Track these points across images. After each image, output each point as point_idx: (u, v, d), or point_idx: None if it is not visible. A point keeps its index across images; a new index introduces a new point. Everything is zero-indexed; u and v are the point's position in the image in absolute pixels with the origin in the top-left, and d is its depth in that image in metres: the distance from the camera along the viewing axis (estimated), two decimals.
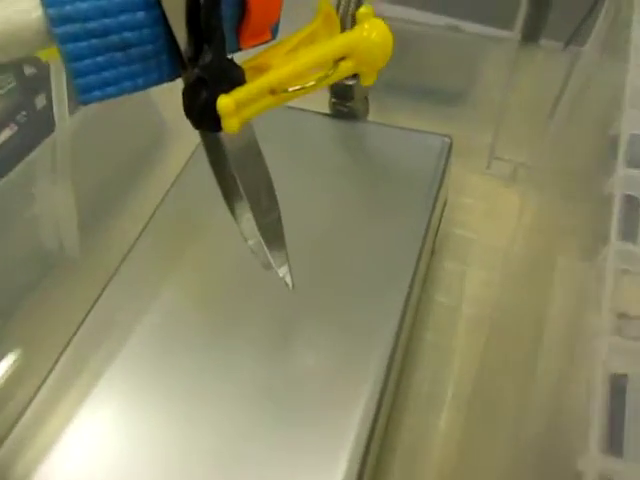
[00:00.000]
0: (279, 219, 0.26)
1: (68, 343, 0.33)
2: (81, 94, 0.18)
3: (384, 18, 0.22)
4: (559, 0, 0.42)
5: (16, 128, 0.47)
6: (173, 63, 0.20)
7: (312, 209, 0.38)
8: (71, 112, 0.38)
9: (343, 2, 0.33)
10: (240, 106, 0.20)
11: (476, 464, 0.33)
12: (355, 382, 0.30)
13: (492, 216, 0.49)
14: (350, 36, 0.22)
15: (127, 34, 0.18)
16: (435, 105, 0.50)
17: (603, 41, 0.39)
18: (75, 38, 0.17)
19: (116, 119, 0.47)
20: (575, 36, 0.43)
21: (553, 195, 0.44)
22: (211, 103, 0.19)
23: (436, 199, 0.39)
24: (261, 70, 0.21)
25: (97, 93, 0.18)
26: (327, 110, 0.45)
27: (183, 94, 0.19)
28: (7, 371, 0.40)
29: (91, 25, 0.17)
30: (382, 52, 0.22)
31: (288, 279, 0.28)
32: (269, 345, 0.32)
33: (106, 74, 0.18)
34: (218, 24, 0.18)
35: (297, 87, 0.21)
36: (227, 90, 0.19)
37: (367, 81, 0.23)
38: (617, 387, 0.18)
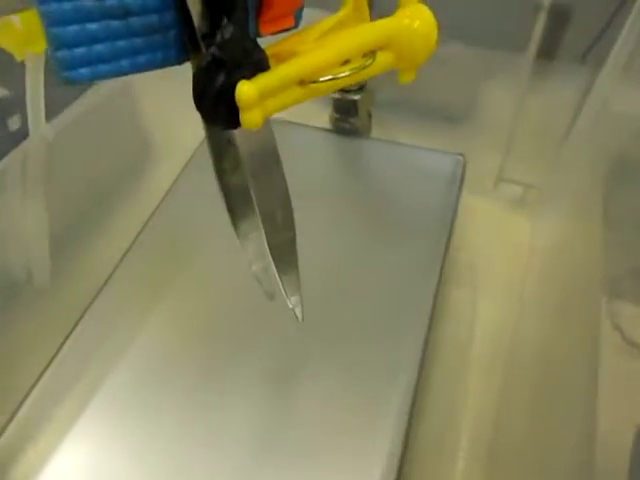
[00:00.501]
0: (293, 239, 0.22)
1: (35, 383, 0.28)
2: (64, 70, 0.14)
3: None
4: (577, 16, 0.40)
5: None
6: (183, 40, 0.16)
7: (317, 234, 0.34)
8: (48, 118, 0.34)
9: None
10: (263, 96, 0.16)
11: None
12: (372, 433, 0.26)
13: (501, 241, 0.46)
14: (389, 24, 0.18)
15: None
16: (440, 124, 0.48)
17: (626, 61, 0.37)
18: None
19: (98, 129, 0.42)
20: (591, 52, 0.40)
21: (568, 219, 0.42)
22: (229, 90, 0.15)
23: (452, 224, 0.35)
24: (285, 58, 0.17)
25: (84, 71, 0.15)
26: (327, 126, 0.42)
27: (194, 78, 0.15)
28: None
29: None
30: (425, 45, 0.19)
31: (298, 311, 0.24)
32: (269, 387, 0.28)
33: (99, 47, 0.14)
34: None
35: (328, 77, 0.17)
36: (249, 76, 0.16)
37: (405, 78, 0.20)
38: None
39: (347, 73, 0.17)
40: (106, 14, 0.14)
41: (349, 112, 0.41)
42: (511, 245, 0.46)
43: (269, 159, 0.19)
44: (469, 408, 0.38)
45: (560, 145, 0.43)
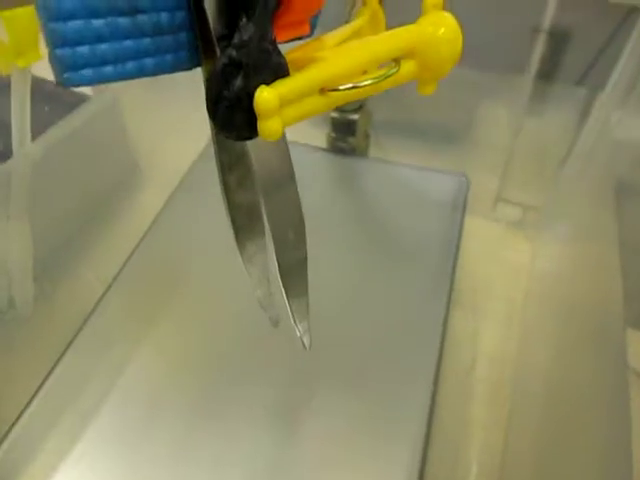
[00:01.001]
0: (305, 260, 0.20)
1: (18, 418, 0.25)
2: (65, 71, 0.13)
3: None
4: (575, 39, 0.40)
5: None
6: (195, 43, 0.15)
7: (317, 259, 0.32)
8: (33, 138, 0.32)
9: None
10: (283, 104, 0.14)
11: None
12: (386, 469, 0.24)
13: (501, 263, 0.45)
14: (412, 31, 0.17)
15: None
16: (438, 144, 0.47)
17: (627, 84, 0.36)
18: None
19: (85, 149, 0.41)
20: (589, 75, 0.40)
21: (572, 242, 0.41)
22: (247, 96, 0.14)
23: (457, 247, 0.34)
24: (302, 65, 0.16)
25: (87, 72, 0.13)
26: (324, 145, 0.41)
27: (207, 82, 0.14)
28: None
29: None
30: (450, 53, 0.18)
31: (306, 338, 0.23)
32: (272, 423, 0.26)
33: (104, 47, 0.13)
34: None
35: (349, 85, 0.16)
36: (268, 81, 0.14)
37: (426, 90, 0.18)
38: None
39: (370, 81, 0.16)
40: (113, 10, 0.13)
41: (347, 131, 0.40)
42: (511, 267, 0.45)
43: (284, 173, 0.17)
44: (476, 438, 0.36)
45: (560, 167, 0.43)
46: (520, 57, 0.40)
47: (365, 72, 0.17)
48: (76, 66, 0.13)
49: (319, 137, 0.41)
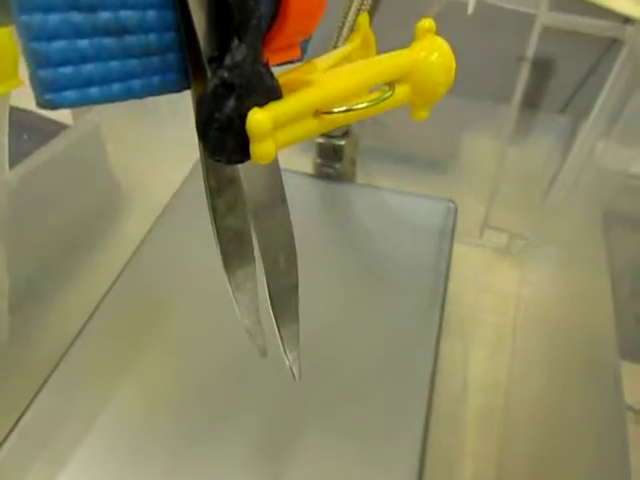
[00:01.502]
0: (296, 287, 0.20)
1: None
2: (47, 92, 0.12)
3: None
4: (559, 68, 0.41)
5: None
6: (184, 64, 0.14)
7: (304, 287, 0.32)
8: (11, 165, 0.31)
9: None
10: (276, 127, 0.14)
11: None
12: None
13: (488, 290, 0.45)
14: (406, 55, 0.17)
15: (125, 13, 0.12)
16: (423, 171, 0.47)
17: (610, 113, 0.37)
18: (46, 5, 0.11)
19: (65, 177, 0.40)
20: (572, 103, 0.41)
21: (560, 270, 0.41)
22: (239, 118, 0.13)
23: (447, 275, 0.34)
24: (295, 88, 0.16)
25: (71, 94, 0.12)
26: (310, 171, 0.41)
27: (198, 105, 0.13)
28: None
29: None
30: (443, 78, 0.17)
31: (296, 368, 0.22)
32: (259, 458, 0.25)
33: (88, 68, 0.12)
34: (256, 7, 0.13)
35: (343, 108, 0.16)
36: (261, 103, 0.14)
37: (419, 115, 0.18)
38: None
39: (364, 105, 0.16)
40: (99, 30, 0.12)
41: (334, 157, 0.40)
42: (499, 294, 0.45)
43: (275, 197, 0.17)
44: (468, 468, 0.35)
45: (546, 193, 0.43)
46: (505, 85, 0.41)
47: (358, 96, 0.17)
48: (59, 87, 0.12)
49: (305, 163, 0.41)
